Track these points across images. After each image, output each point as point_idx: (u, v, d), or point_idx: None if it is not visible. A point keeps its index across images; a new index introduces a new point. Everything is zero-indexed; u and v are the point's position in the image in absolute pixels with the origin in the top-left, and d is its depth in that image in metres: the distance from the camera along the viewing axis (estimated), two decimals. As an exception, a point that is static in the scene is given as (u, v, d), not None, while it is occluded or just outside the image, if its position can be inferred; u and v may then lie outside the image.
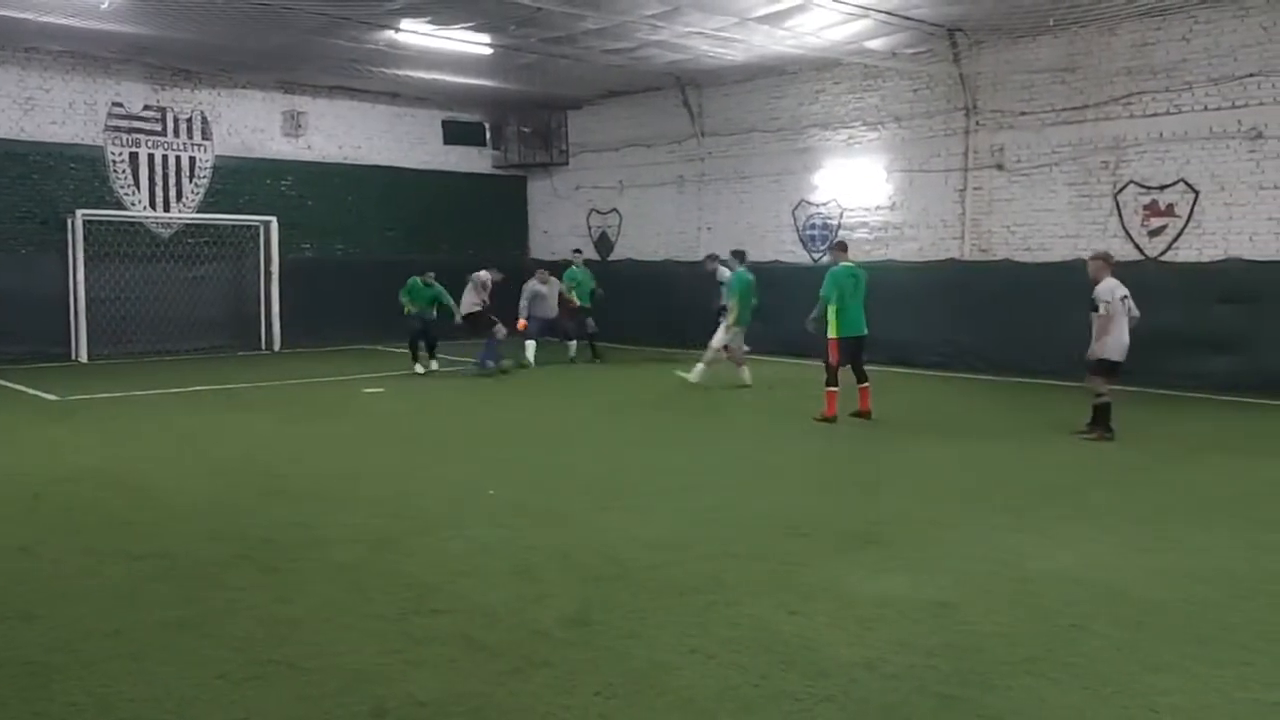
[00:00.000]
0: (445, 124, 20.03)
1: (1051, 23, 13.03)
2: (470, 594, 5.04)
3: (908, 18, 12.79)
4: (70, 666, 4.11)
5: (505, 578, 5.31)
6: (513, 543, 6.00)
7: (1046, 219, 13.83)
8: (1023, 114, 13.93)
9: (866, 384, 10.35)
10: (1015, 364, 13.66)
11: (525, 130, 20.43)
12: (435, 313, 14.16)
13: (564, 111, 20.01)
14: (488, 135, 20.70)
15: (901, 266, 15.22)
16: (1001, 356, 13.91)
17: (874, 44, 13.89)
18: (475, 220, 20.06)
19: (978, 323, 14.32)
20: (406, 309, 14.10)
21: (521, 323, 15.20)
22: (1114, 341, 9.15)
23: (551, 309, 15.76)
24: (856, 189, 15.87)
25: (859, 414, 10.22)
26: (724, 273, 15.47)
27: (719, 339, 12.75)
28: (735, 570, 5.45)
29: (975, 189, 14.53)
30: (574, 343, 15.82)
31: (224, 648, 4.31)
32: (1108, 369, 9.25)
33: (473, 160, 20.51)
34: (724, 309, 15.34)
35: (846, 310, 10.16)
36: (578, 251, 17.54)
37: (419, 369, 14.08)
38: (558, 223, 20.75)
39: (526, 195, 21.37)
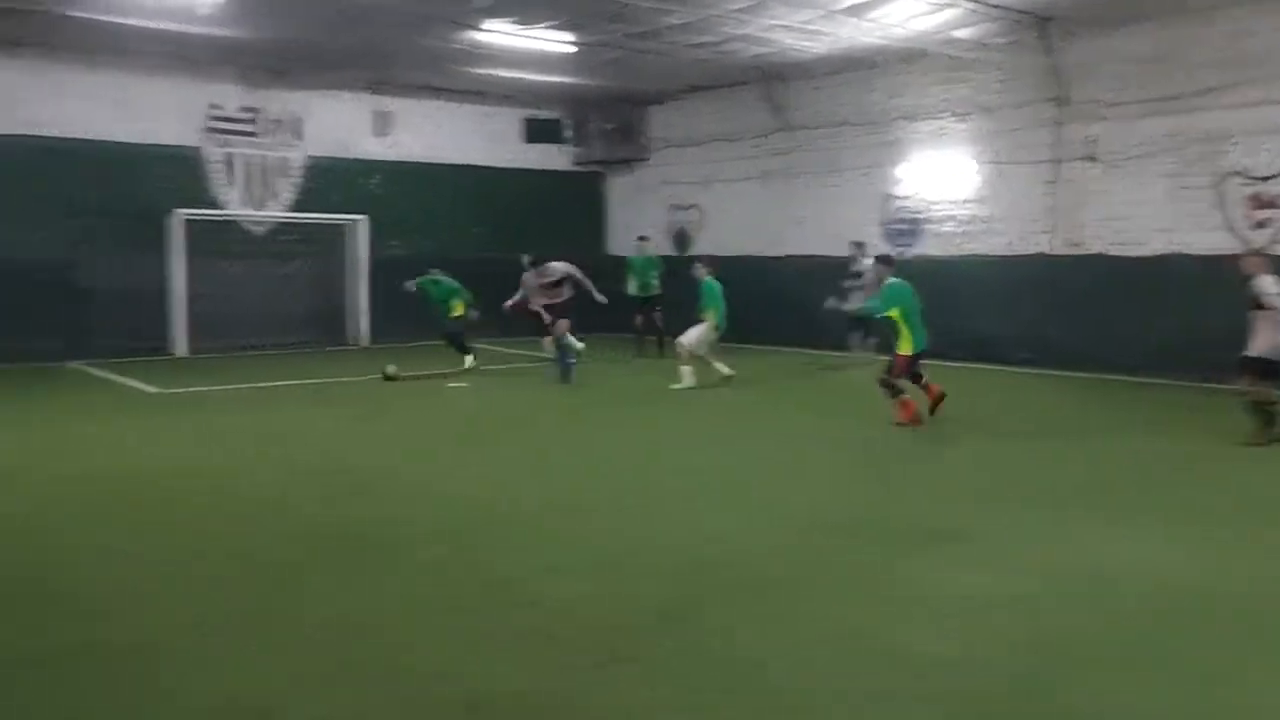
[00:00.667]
0: (527, 122, 20.25)
1: (1146, 11, 12.61)
2: (552, 589, 5.11)
3: (996, 6, 12.49)
4: (162, 657, 4.25)
5: (587, 573, 5.37)
6: (592, 539, 6.06)
7: (1141, 212, 13.38)
8: (1115, 104, 13.49)
9: (926, 379, 10.14)
10: (1107, 361, 13.25)
11: (606, 126, 20.49)
12: (450, 311, 13.90)
13: (645, 107, 20.05)
14: (569, 132, 20.86)
15: (988, 260, 14.92)
16: (1093, 353, 13.50)
17: (961, 34, 13.60)
18: (555, 217, 20.20)
19: (1068, 318, 13.93)
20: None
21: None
22: (1264, 340, 8.66)
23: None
24: (943, 181, 15.58)
25: (935, 402, 9.90)
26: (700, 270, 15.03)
27: (691, 339, 12.56)
28: (815, 567, 5.43)
29: (1066, 181, 14.13)
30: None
31: (314, 641, 4.42)
32: (1261, 369, 8.72)
33: (553, 157, 20.68)
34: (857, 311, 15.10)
35: (916, 326, 9.89)
36: (643, 238, 17.31)
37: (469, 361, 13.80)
38: (637, 218, 20.76)
39: (606, 191, 21.49)
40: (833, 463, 8.41)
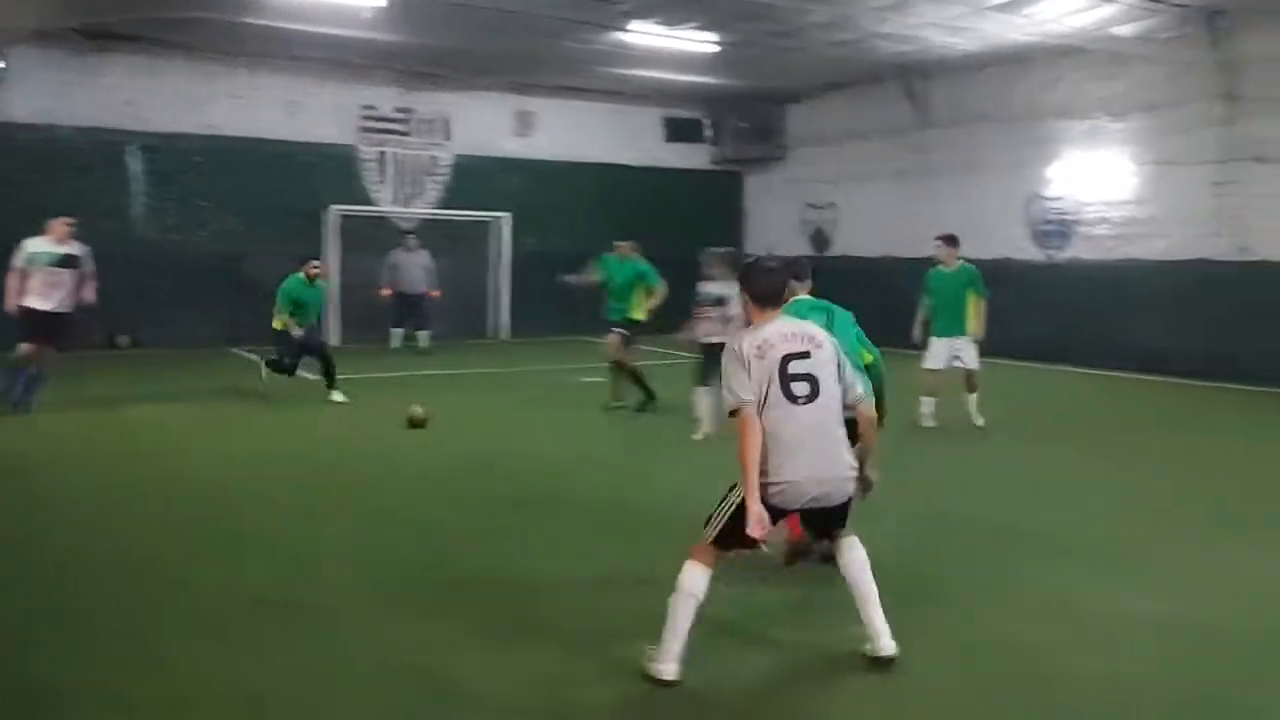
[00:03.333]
0: (666, 121, 20.43)
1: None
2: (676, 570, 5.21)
3: (1161, 0, 11.98)
4: (350, 611, 4.60)
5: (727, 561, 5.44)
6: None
7: (1317, 215, 12.62)
8: (1292, 100, 12.75)
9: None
10: (1277, 373, 12.50)
11: (743, 125, 20.53)
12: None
13: (782, 105, 19.99)
14: (707, 131, 20.96)
15: (1146, 265, 14.30)
16: (1264, 365, 12.70)
17: (1122, 30, 13.07)
18: (693, 216, 20.30)
19: (1234, 327, 13.18)
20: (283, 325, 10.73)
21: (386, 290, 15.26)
22: None
23: (412, 283, 15.05)
24: (1097, 182, 15.00)
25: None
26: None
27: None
28: (963, 578, 5.33)
29: (1232, 183, 13.40)
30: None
31: (479, 605, 4.70)
32: None
33: (690, 156, 20.82)
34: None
35: None
36: (624, 241, 11.16)
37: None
38: (772, 218, 20.74)
39: (742, 190, 21.49)
40: (990, 473, 8.24)
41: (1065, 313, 14.88)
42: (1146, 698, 3.85)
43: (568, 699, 3.74)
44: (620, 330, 10.35)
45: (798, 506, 3.92)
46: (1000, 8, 12.22)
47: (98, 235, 15.45)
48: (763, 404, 3.80)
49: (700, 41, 14.39)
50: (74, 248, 9.81)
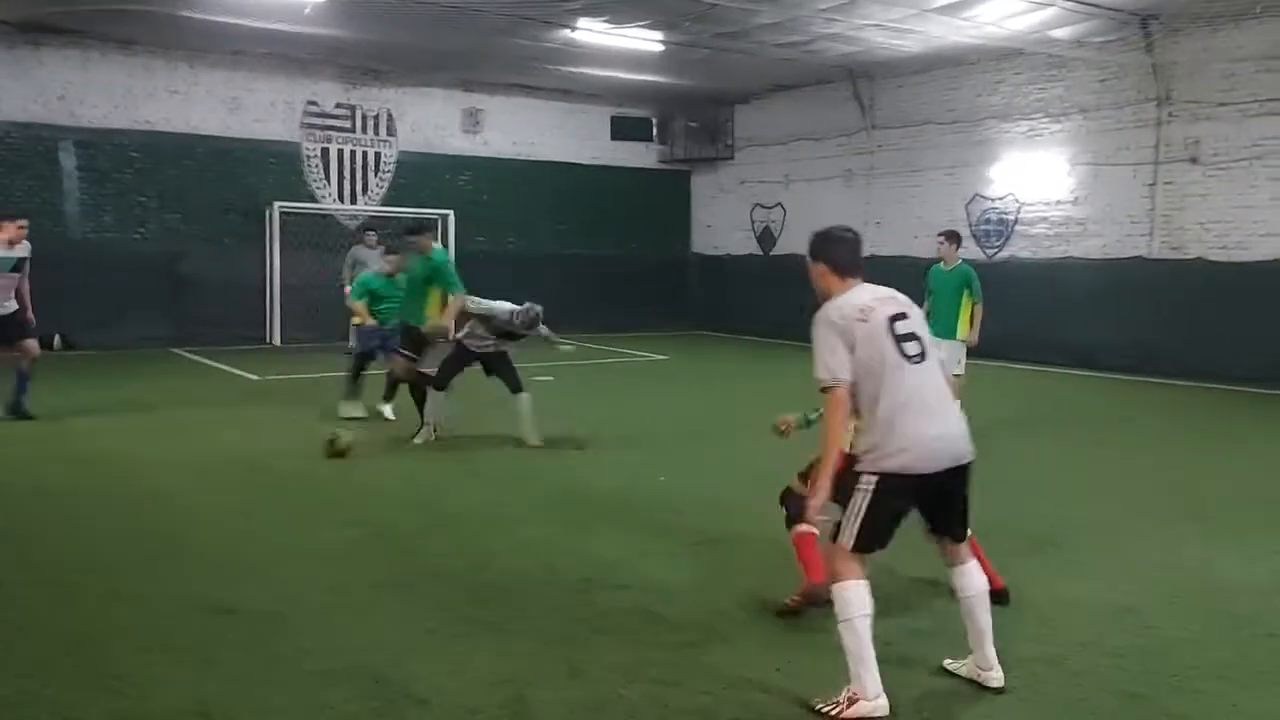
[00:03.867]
0: (614, 120, 20.44)
1: (1258, 10, 12.26)
2: (649, 572, 5.24)
3: (1097, 5, 12.27)
4: (300, 616, 4.54)
5: (682, 559, 5.49)
6: (683, 527, 6.17)
7: (1246, 216, 13.00)
8: (1221, 105, 13.13)
9: None
10: (1210, 369, 12.86)
11: (692, 125, 20.64)
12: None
13: (731, 106, 20.11)
14: (655, 130, 21.00)
15: (1083, 264, 14.65)
16: (1194, 360, 13.09)
17: (1059, 33, 13.37)
18: (640, 214, 20.42)
19: (1168, 324, 13.57)
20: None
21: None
22: None
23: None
24: (1036, 183, 15.32)
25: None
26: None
27: None
28: (905, 565, 5.42)
29: (1166, 184, 13.80)
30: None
31: (431, 607, 4.67)
32: None
33: (639, 155, 20.86)
34: None
35: None
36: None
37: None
38: (721, 217, 20.87)
39: (690, 190, 21.57)
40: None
41: (1004, 311, 15.10)
42: (1090, 681, 3.95)
43: (528, 699, 3.72)
44: (405, 353, 9.08)
45: (932, 470, 3.60)
46: (944, 10, 12.43)
47: (31, 234, 15.15)
48: (879, 368, 3.57)
49: (648, 41, 14.42)
50: (24, 250, 9.55)
